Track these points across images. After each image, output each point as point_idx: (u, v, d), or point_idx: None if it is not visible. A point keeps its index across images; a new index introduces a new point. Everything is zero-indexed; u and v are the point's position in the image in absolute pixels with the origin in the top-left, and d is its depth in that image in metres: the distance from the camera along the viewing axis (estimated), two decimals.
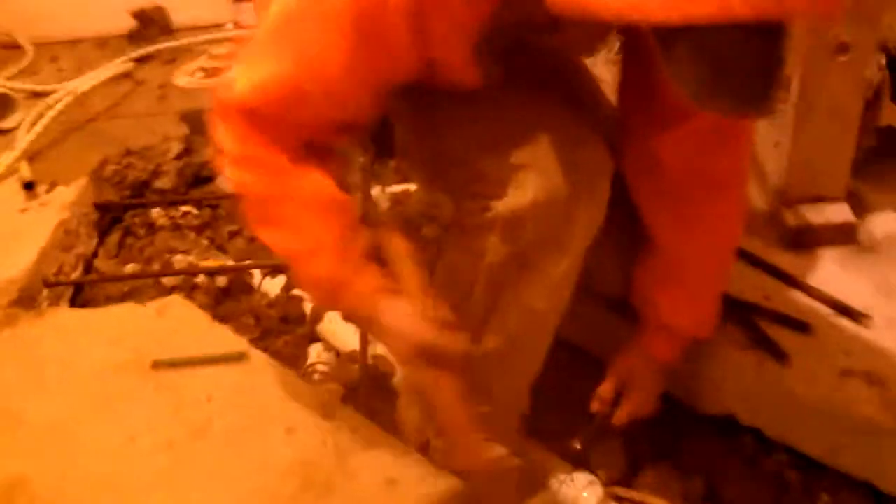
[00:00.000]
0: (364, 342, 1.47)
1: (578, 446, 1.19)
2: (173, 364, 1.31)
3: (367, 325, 1.08)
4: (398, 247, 1.06)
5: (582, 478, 1.28)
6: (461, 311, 1.05)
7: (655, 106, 1.06)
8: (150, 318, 1.42)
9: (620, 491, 1.27)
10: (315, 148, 1.02)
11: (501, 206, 1.00)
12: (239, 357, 1.32)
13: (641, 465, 1.31)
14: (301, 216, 1.02)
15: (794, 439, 1.25)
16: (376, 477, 1.15)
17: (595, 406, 1.23)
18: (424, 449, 1.20)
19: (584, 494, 1.26)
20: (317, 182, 1.01)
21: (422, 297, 1.01)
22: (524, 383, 1.20)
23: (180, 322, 1.41)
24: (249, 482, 1.14)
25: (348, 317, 1.13)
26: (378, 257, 1.05)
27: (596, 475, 1.29)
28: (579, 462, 1.27)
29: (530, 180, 0.99)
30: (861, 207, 1.43)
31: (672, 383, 1.32)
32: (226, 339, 1.37)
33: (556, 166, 0.99)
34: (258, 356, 1.35)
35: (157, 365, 1.30)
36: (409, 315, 1.00)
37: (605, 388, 1.22)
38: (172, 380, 1.29)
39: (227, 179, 1.06)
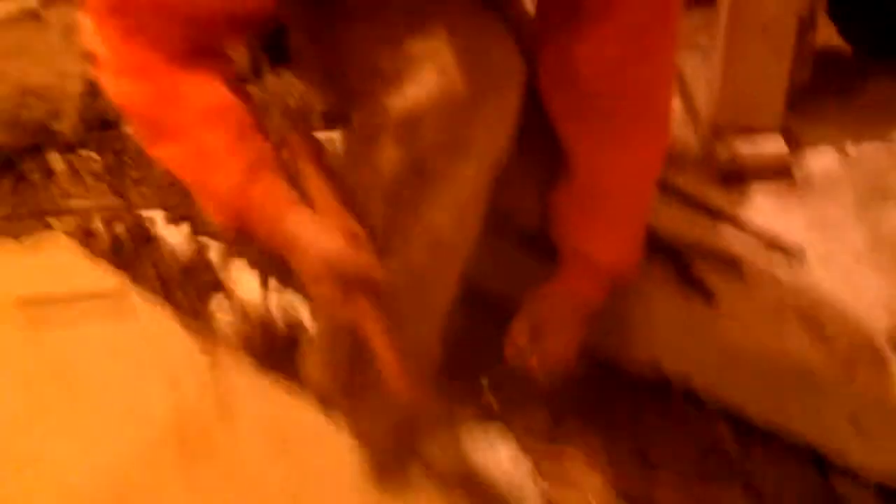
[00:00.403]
0: (266, 290, 1.36)
1: (489, 394, 1.08)
2: (41, 301, 1.18)
3: (275, 244, 0.95)
4: (301, 154, 0.95)
5: (494, 432, 1.18)
6: None
7: (572, 4, 0.95)
8: (22, 253, 1.29)
9: (539, 448, 1.17)
10: (203, 52, 0.90)
11: (396, 102, 0.89)
12: (114, 294, 1.20)
13: (563, 425, 1.21)
14: (192, 127, 0.91)
15: (727, 396, 1.16)
16: (264, 433, 1.04)
17: (509, 351, 1.12)
18: (328, 404, 1.09)
19: (496, 450, 1.16)
20: (206, 88, 0.90)
21: (332, 208, 0.92)
22: (433, 322, 1.09)
23: (55, 259, 1.28)
24: (116, 431, 1.02)
25: (255, 238, 1.01)
26: (285, 171, 0.94)
27: (513, 433, 1.19)
28: (490, 411, 1.17)
29: (426, 74, 0.88)
30: (797, 144, 1.33)
31: (597, 339, 1.22)
32: (103, 278, 1.24)
33: (456, 62, 0.88)
34: (140, 297, 1.23)
35: (23, 302, 1.18)
36: (319, 228, 0.90)
37: (519, 329, 1.11)
38: (38, 318, 1.16)
39: (108, 93, 0.94)
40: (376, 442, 1.07)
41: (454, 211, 0.97)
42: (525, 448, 1.15)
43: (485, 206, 1.00)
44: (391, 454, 1.04)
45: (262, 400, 1.07)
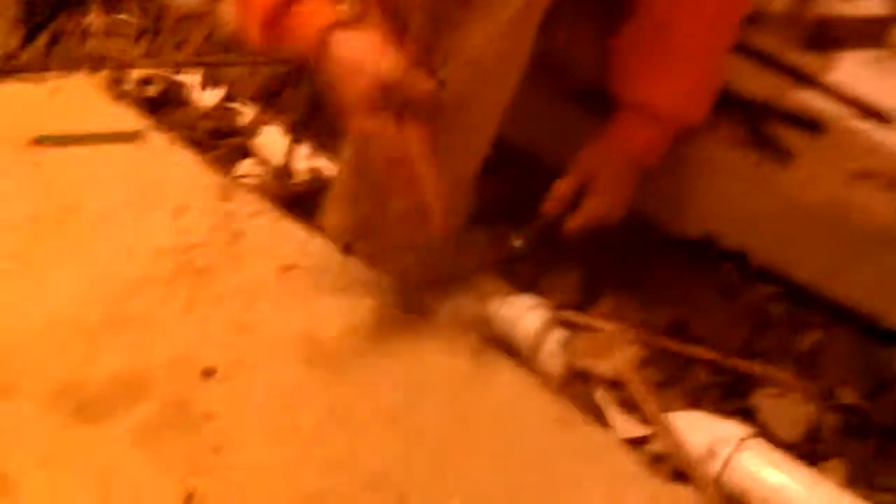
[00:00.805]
0: (292, 148, 1.27)
1: (519, 243, 0.97)
2: (57, 141, 1.12)
3: (318, 63, 0.88)
4: None
5: (526, 300, 1.07)
6: None
7: None
8: (43, 95, 1.23)
9: (570, 315, 1.06)
10: None
11: None
12: (132, 137, 1.13)
13: (600, 293, 1.09)
14: None
15: (783, 262, 1.02)
16: (268, 263, 0.96)
17: (548, 206, 1.01)
18: (349, 251, 1.00)
19: (527, 318, 1.05)
20: None
21: (380, 27, 0.86)
22: (471, 157, 0.99)
23: (75, 101, 1.22)
24: (114, 264, 0.95)
25: (295, 55, 0.98)
26: None
27: (545, 299, 1.08)
28: (517, 260, 1.06)
29: None
30: None
31: (644, 199, 1.10)
32: (124, 118, 1.18)
33: None
34: (158, 138, 1.16)
35: (40, 141, 1.11)
36: (368, 46, 0.84)
37: (563, 185, 1.00)
38: (53, 157, 1.10)
39: None
40: (399, 279, 0.98)
41: (495, 34, 0.86)
42: (556, 314, 1.05)
43: (531, 39, 0.90)
44: (413, 291, 0.95)
45: (273, 235, 0.99)
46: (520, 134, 1.20)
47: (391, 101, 0.82)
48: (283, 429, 0.79)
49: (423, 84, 0.82)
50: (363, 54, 0.83)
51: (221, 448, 0.77)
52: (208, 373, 0.85)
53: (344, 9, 0.89)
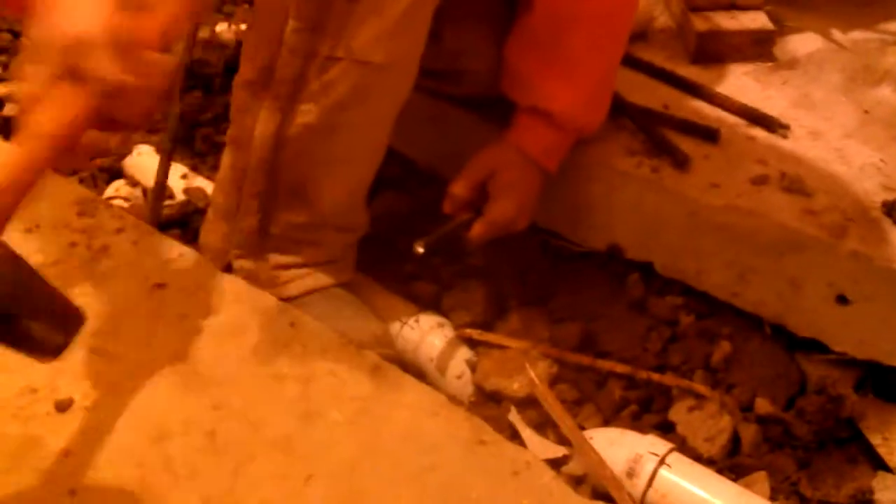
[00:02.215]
0: (166, 165, 1.16)
1: (421, 249, 0.90)
2: None
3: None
4: None
5: (429, 319, 1.00)
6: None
7: None
8: None
9: (475, 334, 0.99)
10: None
11: None
12: None
13: (506, 309, 1.04)
14: None
15: (691, 272, 1.00)
16: (135, 282, 0.85)
17: (446, 207, 0.95)
18: (227, 270, 0.91)
19: (430, 338, 0.98)
20: None
21: None
22: (357, 180, 0.92)
23: None
24: None
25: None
26: None
27: (449, 318, 1.01)
28: (424, 289, 0.99)
29: None
30: (780, 29, 1.20)
31: (547, 212, 1.06)
32: None
33: None
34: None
35: None
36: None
37: (460, 185, 0.94)
38: None
39: None
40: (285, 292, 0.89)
41: (384, 33, 0.81)
42: (462, 333, 0.98)
43: (422, 39, 0.85)
44: (299, 307, 0.86)
45: (141, 251, 0.87)
46: (414, 147, 1.15)
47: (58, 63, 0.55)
48: (152, 464, 0.67)
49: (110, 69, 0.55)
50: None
51: (78, 490, 0.65)
52: (63, 405, 0.72)
53: None
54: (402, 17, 0.80)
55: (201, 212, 1.12)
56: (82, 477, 0.66)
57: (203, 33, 1.39)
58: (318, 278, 0.93)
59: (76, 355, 0.77)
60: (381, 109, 0.88)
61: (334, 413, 0.73)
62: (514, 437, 0.85)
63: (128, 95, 0.55)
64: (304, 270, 0.92)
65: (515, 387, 0.92)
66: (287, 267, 0.92)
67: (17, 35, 1.55)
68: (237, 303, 0.84)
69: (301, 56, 0.81)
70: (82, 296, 0.83)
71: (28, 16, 0.56)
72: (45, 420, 0.72)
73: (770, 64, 1.16)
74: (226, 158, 0.93)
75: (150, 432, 0.71)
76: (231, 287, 0.86)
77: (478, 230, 0.94)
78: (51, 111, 0.54)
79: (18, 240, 0.89)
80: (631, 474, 0.80)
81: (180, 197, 1.18)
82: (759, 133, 1.04)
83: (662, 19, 1.24)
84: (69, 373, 0.76)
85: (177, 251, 0.89)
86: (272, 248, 0.92)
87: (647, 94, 1.10)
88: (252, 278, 0.90)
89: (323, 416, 0.72)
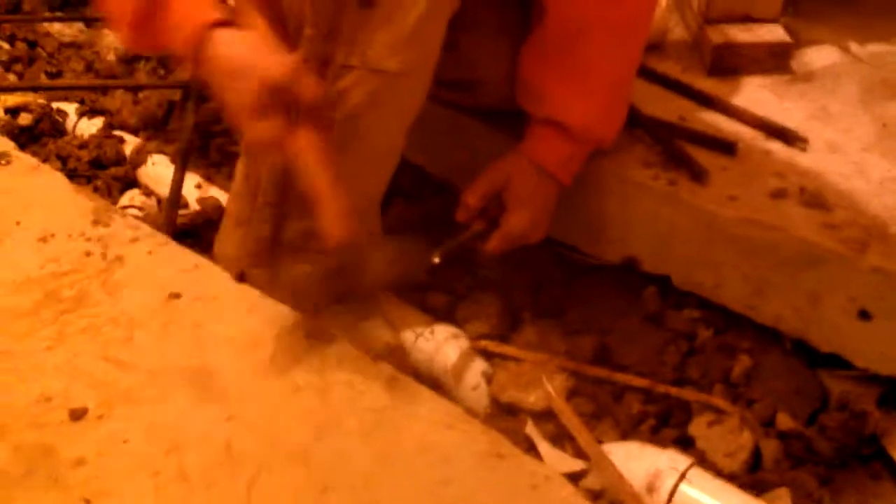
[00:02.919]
0: (180, 174, 1.16)
1: (437, 260, 0.90)
2: None
3: (196, 65, 0.79)
4: None
5: (443, 330, 0.99)
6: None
7: None
8: None
9: (491, 346, 0.98)
10: None
11: None
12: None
13: (521, 321, 1.03)
14: None
15: (709, 285, 0.99)
16: (150, 292, 0.84)
17: (460, 215, 0.94)
18: (241, 279, 0.90)
19: (445, 349, 0.97)
20: None
21: (261, 26, 0.79)
22: (370, 188, 0.91)
23: None
24: None
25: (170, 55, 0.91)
26: None
27: (463, 329, 1.01)
28: (435, 275, 0.99)
29: None
30: (797, 42, 1.19)
31: (563, 224, 1.06)
32: None
33: None
34: (24, 160, 1.02)
35: None
36: (253, 44, 0.76)
37: (474, 194, 0.94)
38: None
39: None
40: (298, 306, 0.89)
41: (398, 43, 0.81)
42: (477, 345, 0.97)
43: (436, 48, 0.85)
44: (315, 317, 0.85)
45: (156, 261, 0.87)
46: (427, 156, 1.14)
47: (280, 105, 0.73)
48: (166, 475, 0.67)
49: (314, 87, 0.74)
50: (248, 54, 0.75)
51: (92, 500, 0.64)
52: (77, 414, 0.71)
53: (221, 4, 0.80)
54: (416, 26, 0.80)
55: (215, 221, 1.13)
56: (96, 487, 0.66)
57: None
58: (332, 289, 0.92)
59: (91, 364, 0.77)
60: (395, 118, 0.88)
61: (350, 425, 0.72)
62: (531, 450, 0.85)
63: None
64: (318, 281, 0.92)
65: (532, 399, 0.91)
66: (300, 276, 0.92)
67: (32, 45, 1.57)
68: (252, 313, 0.83)
69: (315, 64, 0.81)
70: (96, 305, 0.83)
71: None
72: (60, 429, 0.71)
73: (787, 76, 1.15)
74: (240, 167, 0.94)
75: (165, 443, 0.70)
76: (246, 297, 0.85)
77: (493, 242, 0.94)
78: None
79: (33, 249, 0.90)
80: (651, 489, 0.79)
81: (194, 206, 1.19)
82: (776, 146, 1.03)
83: (678, 31, 1.24)
84: (83, 381, 0.75)
85: (192, 261, 0.89)
86: (285, 256, 0.91)
87: (663, 105, 1.09)
88: (266, 287, 0.90)
89: (339, 427, 0.72)
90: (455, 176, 1.14)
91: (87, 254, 0.89)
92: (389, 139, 0.89)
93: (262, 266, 0.91)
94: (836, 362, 0.92)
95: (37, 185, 0.98)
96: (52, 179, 0.99)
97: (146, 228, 0.92)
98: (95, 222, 0.92)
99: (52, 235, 0.91)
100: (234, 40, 0.76)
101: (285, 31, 0.82)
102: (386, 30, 0.80)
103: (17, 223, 0.92)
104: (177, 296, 0.84)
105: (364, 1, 0.78)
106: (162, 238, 0.91)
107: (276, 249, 0.91)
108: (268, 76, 0.72)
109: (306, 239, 0.90)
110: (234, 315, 0.83)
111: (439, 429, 0.72)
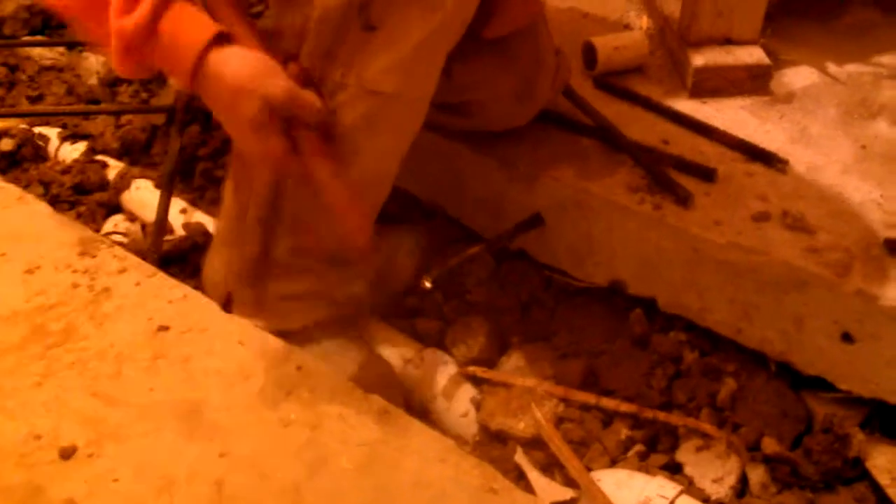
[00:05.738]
0: (166, 200, 1.16)
1: (429, 284, 0.90)
2: None
3: (195, 86, 0.78)
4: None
5: (433, 356, 1.00)
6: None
7: None
8: None
9: (479, 371, 0.99)
10: None
11: None
12: None
13: (509, 345, 1.04)
14: None
15: (695, 308, 1.00)
16: (138, 324, 0.84)
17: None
18: (227, 305, 0.90)
19: (434, 376, 0.98)
20: None
21: (258, 45, 0.79)
22: (371, 203, 0.91)
23: None
24: None
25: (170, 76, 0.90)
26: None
27: (452, 354, 1.01)
28: (424, 299, 0.99)
29: None
30: (776, 63, 1.21)
31: (549, 250, 1.07)
32: None
33: None
34: (8, 189, 1.02)
35: None
36: (253, 63, 0.76)
37: None
38: None
39: None
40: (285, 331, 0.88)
41: (397, 65, 0.81)
42: (465, 371, 0.97)
43: (436, 74, 0.86)
44: (304, 345, 0.85)
45: (144, 293, 0.86)
46: (416, 181, 1.15)
47: (282, 122, 0.75)
48: None
49: (315, 105, 0.76)
50: (249, 72, 0.75)
51: None
52: (67, 452, 0.71)
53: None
54: (414, 51, 0.81)
55: (201, 246, 1.12)
56: None
57: None
58: (321, 310, 0.92)
59: (79, 400, 0.77)
60: (389, 141, 0.88)
61: (342, 460, 0.72)
62: (521, 478, 0.85)
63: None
64: (306, 302, 0.91)
65: (521, 427, 0.91)
66: (289, 297, 0.91)
67: (13, 69, 1.55)
68: (242, 345, 0.83)
69: (312, 81, 0.81)
70: (84, 339, 0.83)
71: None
72: (49, 468, 0.71)
73: (767, 97, 1.17)
74: (228, 188, 0.93)
75: (156, 481, 0.70)
76: (236, 329, 0.85)
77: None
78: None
79: (19, 281, 0.89)
80: None
81: (180, 232, 1.18)
82: (758, 168, 1.05)
83: (659, 54, 1.25)
84: (72, 418, 0.75)
85: (180, 292, 0.88)
86: (274, 275, 0.91)
87: (646, 128, 1.11)
88: (253, 307, 0.89)
89: (331, 463, 0.72)
90: (443, 200, 1.15)
91: (74, 286, 0.88)
92: (383, 162, 0.89)
93: (249, 285, 0.91)
94: (820, 385, 0.94)
95: (21, 215, 0.98)
96: (37, 209, 0.98)
97: (133, 259, 0.91)
98: (82, 253, 0.92)
99: (39, 267, 0.90)
100: (234, 59, 0.76)
101: (285, 52, 0.82)
102: (385, 52, 0.80)
103: (3, 255, 0.92)
104: (165, 328, 0.84)
105: (367, 24, 0.79)
106: (149, 269, 0.91)
107: (265, 268, 0.91)
108: (270, 95, 0.73)
109: (296, 256, 0.90)
110: (224, 346, 0.83)
111: (432, 463, 0.73)
